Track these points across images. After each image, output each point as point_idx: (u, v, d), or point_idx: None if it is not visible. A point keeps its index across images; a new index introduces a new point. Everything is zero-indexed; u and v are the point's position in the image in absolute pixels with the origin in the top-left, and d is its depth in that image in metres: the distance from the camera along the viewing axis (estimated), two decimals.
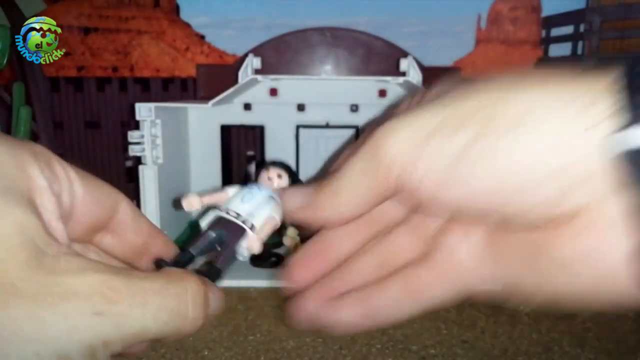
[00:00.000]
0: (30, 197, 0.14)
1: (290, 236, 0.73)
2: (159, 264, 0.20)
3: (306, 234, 0.74)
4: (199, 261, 0.23)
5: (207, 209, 0.23)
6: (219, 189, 0.24)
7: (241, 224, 0.22)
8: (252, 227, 0.23)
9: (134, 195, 1.09)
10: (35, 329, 0.12)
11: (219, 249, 0.22)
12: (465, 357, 0.54)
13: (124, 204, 0.20)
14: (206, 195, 0.23)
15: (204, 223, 0.22)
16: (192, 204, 0.23)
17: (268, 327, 0.60)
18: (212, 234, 0.22)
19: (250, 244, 0.23)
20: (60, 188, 0.16)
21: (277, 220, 0.24)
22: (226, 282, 0.76)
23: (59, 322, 0.13)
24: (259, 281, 0.72)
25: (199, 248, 0.22)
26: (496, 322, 0.62)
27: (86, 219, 0.18)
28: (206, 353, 0.54)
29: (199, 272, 0.19)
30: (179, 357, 0.53)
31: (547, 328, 0.61)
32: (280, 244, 0.77)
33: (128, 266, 0.21)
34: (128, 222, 0.20)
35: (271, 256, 0.79)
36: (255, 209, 0.23)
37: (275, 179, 0.25)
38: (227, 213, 0.22)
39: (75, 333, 0.13)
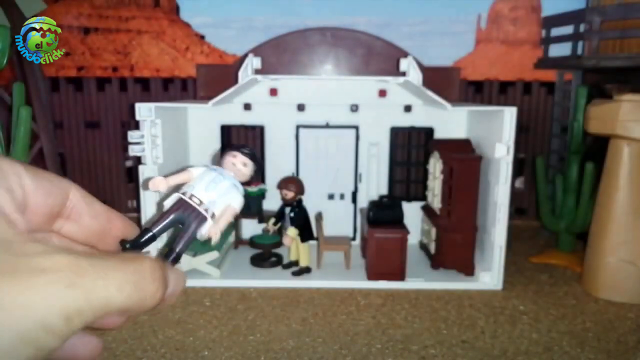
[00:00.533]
0: None
1: (290, 236, 0.74)
2: (123, 244, 0.22)
3: (306, 235, 0.75)
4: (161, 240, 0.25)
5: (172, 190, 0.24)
6: (184, 168, 0.25)
7: (203, 212, 0.23)
8: (212, 216, 0.23)
9: (134, 195, 1.09)
10: (16, 302, 0.14)
11: (180, 227, 0.24)
12: (465, 357, 0.54)
13: (73, 191, 0.20)
14: (172, 176, 0.24)
15: (167, 203, 0.24)
16: (157, 185, 0.24)
17: (268, 327, 0.60)
18: (174, 216, 0.23)
19: (210, 231, 0.23)
20: (10, 183, 0.17)
21: (236, 210, 0.25)
22: (226, 282, 0.76)
23: (37, 294, 0.14)
24: (259, 281, 0.72)
25: (161, 228, 0.23)
26: (496, 322, 0.62)
27: (41, 209, 0.19)
28: (206, 353, 0.54)
29: (161, 254, 0.22)
30: (178, 357, 0.53)
31: (547, 328, 0.61)
32: (280, 244, 0.78)
33: (90, 248, 0.22)
34: (83, 208, 0.21)
35: (271, 256, 0.80)
36: (218, 197, 0.24)
37: (239, 165, 0.25)
38: (190, 198, 0.23)
39: (53, 302, 0.14)
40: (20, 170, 0.18)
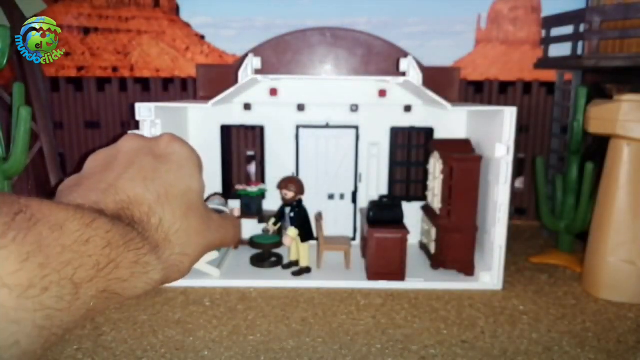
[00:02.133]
0: None
1: (290, 236, 0.74)
2: None
3: (306, 235, 0.75)
4: None
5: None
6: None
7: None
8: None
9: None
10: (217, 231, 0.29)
11: None
12: (465, 357, 0.54)
13: None
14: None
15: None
16: None
17: (268, 327, 0.60)
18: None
19: None
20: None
21: None
22: (226, 282, 0.76)
23: (217, 234, 0.29)
24: (259, 281, 0.72)
25: None
26: (496, 322, 0.62)
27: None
28: (206, 353, 0.54)
29: None
30: (178, 357, 0.53)
31: (547, 328, 0.61)
32: (280, 244, 0.78)
33: None
34: None
35: (271, 256, 0.80)
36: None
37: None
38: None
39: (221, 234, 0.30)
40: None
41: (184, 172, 0.26)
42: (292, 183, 0.75)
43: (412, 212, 0.84)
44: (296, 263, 0.76)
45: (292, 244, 0.75)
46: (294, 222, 0.74)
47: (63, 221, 0.18)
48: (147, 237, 0.22)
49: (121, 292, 0.21)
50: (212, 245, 0.27)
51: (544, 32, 0.90)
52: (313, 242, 0.77)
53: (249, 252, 0.82)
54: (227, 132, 0.87)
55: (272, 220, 0.77)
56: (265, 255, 0.79)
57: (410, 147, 0.89)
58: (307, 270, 0.75)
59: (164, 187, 0.25)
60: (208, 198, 0.82)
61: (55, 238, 0.17)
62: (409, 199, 0.88)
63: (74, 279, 0.18)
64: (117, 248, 0.20)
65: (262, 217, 0.83)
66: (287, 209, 0.75)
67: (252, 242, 0.81)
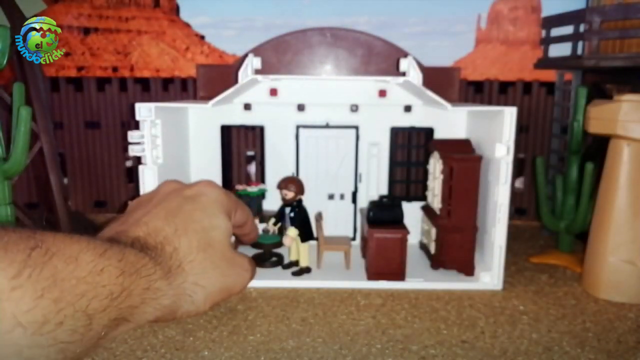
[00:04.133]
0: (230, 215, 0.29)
1: (291, 236, 0.74)
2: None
3: (306, 235, 0.75)
4: None
5: None
6: None
7: None
8: None
9: (134, 195, 1.09)
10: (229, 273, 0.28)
11: None
12: (465, 357, 0.54)
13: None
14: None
15: None
16: None
17: (268, 327, 0.60)
18: None
19: None
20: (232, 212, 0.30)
21: None
22: None
23: (236, 274, 0.28)
24: (259, 281, 0.72)
25: None
26: (496, 322, 0.62)
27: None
28: (206, 353, 0.54)
29: None
30: (179, 357, 0.53)
31: (547, 328, 0.61)
32: (281, 244, 0.78)
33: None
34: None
35: (272, 256, 0.80)
36: None
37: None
38: None
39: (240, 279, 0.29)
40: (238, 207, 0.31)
41: (209, 212, 0.27)
42: (292, 183, 0.75)
43: (412, 212, 0.84)
44: (296, 263, 0.76)
45: (292, 244, 0.75)
46: (294, 222, 0.74)
47: (77, 253, 0.19)
48: (159, 262, 0.23)
49: (131, 318, 0.21)
50: (233, 287, 0.27)
51: (544, 32, 0.90)
52: (313, 242, 0.77)
53: (248, 252, 0.82)
54: (227, 132, 0.87)
55: (272, 220, 0.77)
56: (266, 255, 0.79)
57: (410, 147, 0.89)
58: (307, 270, 0.75)
59: (183, 222, 0.26)
60: None
61: (70, 271, 0.18)
62: (409, 199, 0.88)
63: (88, 310, 0.18)
64: (130, 275, 0.21)
65: (262, 217, 0.83)
66: (287, 209, 0.75)
67: (253, 242, 0.81)
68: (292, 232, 0.73)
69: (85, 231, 0.22)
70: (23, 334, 0.15)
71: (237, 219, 0.30)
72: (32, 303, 0.16)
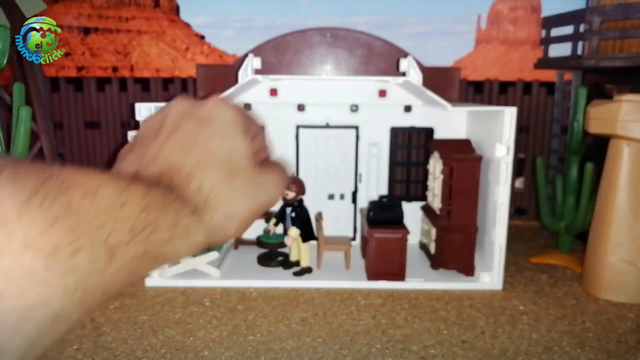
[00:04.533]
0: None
1: (292, 236, 0.74)
2: None
3: (307, 235, 0.75)
4: None
5: None
6: None
7: None
8: None
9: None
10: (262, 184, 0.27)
11: None
12: (465, 357, 0.54)
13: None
14: None
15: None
16: None
17: (268, 327, 0.60)
18: None
19: None
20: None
21: None
22: (226, 283, 0.77)
23: (265, 193, 0.27)
24: (259, 281, 0.72)
25: None
26: (496, 322, 0.62)
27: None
28: (206, 353, 0.54)
29: None
30: (179, 357, 0.53)
31: (547, 328, 0.61)
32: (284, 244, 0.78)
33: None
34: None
35: (278, 255, 0.80)
36: None
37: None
38: None
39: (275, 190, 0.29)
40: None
41: (226, 135, 0.26)
42: (293, 183, 0.75)
43: (412, 212, 0.84)
44: (297, 263, 0.76)
45: (293, 244, 0.75)
46: (295, 222, 0.74)
47: (96, 186, 0.19)
48: (186, 200, 0.23)
49: (163, 254, 0.21)
50: (264, 205, 0.27)
51: (544, 32, 0.90)
52: (314, 242, 0.77)
53: (249, 252, 0.82)
54: None
55: (273, 220, 0.77)
56: (272, 254, 0.80)
57: (410, 147, 0.90)
58: (308, 270, 0.75)
59: (204, 152, 0.25)
60: None
61: (87, 203, 0.18)
62: (409, 199, 0.88)
63: (109, 242, 0.18)
64: (155, 212, 0.20)
65: (264, 217, 0.83)
66: (288, 209, 0.75)
67: (259, 242, 0.81)
68: (293, 232, 0.73)
69: None
70: (35, 257, 0.15)
71: (253, 135, 0.29)
72: (43, 229, 0.16)
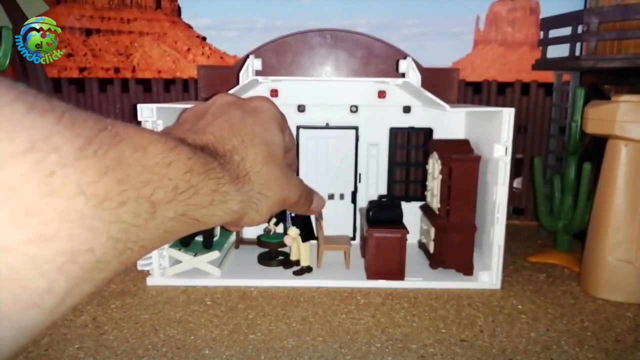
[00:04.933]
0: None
1: (291, 236, 0.74)
2: None
3: (306, 234, 0.75)
4: None
5: None
6: None
7: None
8: None
9: None
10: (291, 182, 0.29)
11: None
12: (464, 356, 0.55)
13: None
14: None
15: None
16: None
17: (268, 326, 0.60)
18: None
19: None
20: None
21: None
22: (227, 282, 0.77)
23: (291, 188, 0.29)
24: (259, 280, 0.72)
25: None
26: (494, 321, 0.62)
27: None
28: (207, 352, 0.55)
29: None
30: (180, 356, 0.54)
31: (545, 327, 0.61)
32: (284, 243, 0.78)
33: None
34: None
35: (278, 255, 0.80)
36: None
37: None
38: None
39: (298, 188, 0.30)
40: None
41: (269, 127, 0.28)
42: None
43: (411, 211, 0.84)
44: (297, 262, 0.77)
45: (293, 243, 0.75)
46: (294, 222, 0.74)
47: (147, 143, 0.19)
48: (227, 169, 0.24)
49: (200, 218, 0.22)
50: (289, 200, 0.29)
51: (542, 34, 0.91)
52: (314, 242, 0.77)
53: (249, 251, 0.82)
54: None
55: (274, 220, 0.77)
56: (273, 254, 0.80)
57: (410, 148, 0.90)
58: (308, 269, 0.75)
59: (248, 135, 0.27)
60: None
61: (137, 158, 0.18)
62: (408, 198, 0.89)
63: (152, 198, 0.18)
64: (198, 175, 0.21)
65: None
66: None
67: (260, 241, 0.81)
68: (292, 231, 0.74)
69: None
70: (85, 203, 0.16)
71: (287, 140, 0.30)
72: (95, 177, 0.16)
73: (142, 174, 0.18)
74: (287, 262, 0.78)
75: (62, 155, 0.15)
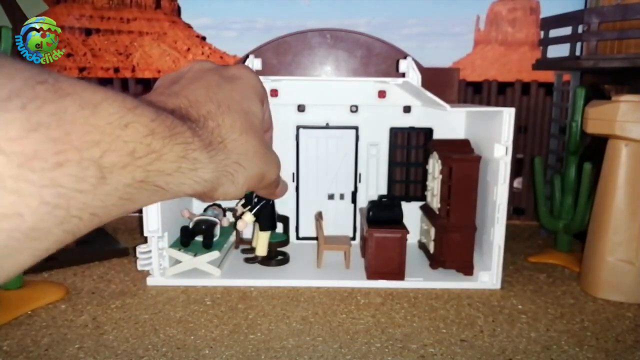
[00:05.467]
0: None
1: (244, 221, 0.72)
2: None
3: (265, 224, 0.74)
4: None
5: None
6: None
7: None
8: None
9: None
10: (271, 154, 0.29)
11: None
12: (464, 355, 0.55)
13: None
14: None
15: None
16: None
17: (268, 326, 0.60)
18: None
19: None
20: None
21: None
22: (227, 282, 0.77)
23: (270, 163, 0.28)
24: (259, 280, 0.72)
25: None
26: (494, 321, 0.62)
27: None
28: (207, 352, 0.55)
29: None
30: (180, 356, 0.54)
31: (545, 327, 0.61)
32: (286, 242, 0.79)
33: None
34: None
35: (278, 255, 0.80)
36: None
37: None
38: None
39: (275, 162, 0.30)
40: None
41: (248, 95, 0.27)
42: None
43: (411, 211, 0.84)
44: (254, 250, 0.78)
45: (245, 228, 0.74)
46: (253, 207, 0.74)
47: (99, 101, 0.17)
48: (199, 134, 0.22)
49: (165, 186, 0.20)
50: (268, 176, 0.27)
51: (542, 33, 0.91)
52: (313, 242, 0.77)
53: (249, 251, 0.82)
54: None
55: (242, 201, 0.76)
56: (272, 253, 0.80)
57: (410, 148, 0.90)
58: (261, 260, 0.76)
59: (226, 100, 0.25)
60: (207, 208, 0.82)
61: (83, 116, 0.16)
62: (408, 198, 0.89)
63: (101, 161, 0.16)
64: (162, 139, 0.19)
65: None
66: (254, 193, 0.74)
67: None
68: (247, 217, 0.73)
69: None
70: (6, 162, 0.14)
71: (266, 117, 0.29)
72: (21, 133, 0.14)
73: (88, 134, 0.16)
74: (287, 262, 0.78)
75: None
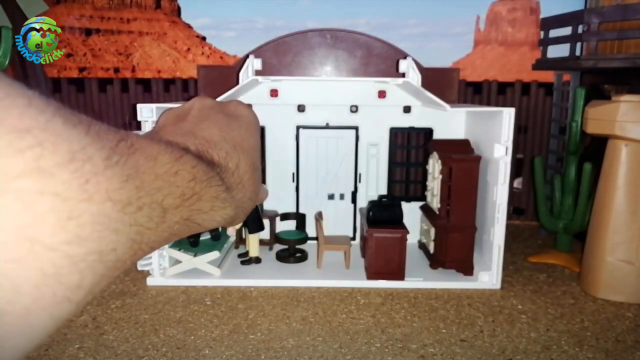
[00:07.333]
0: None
1: (234, 227, 0.75)
2: None
3: (252, 226, 0.75)
4: None
5: None
6: None
7: None
8: None
9: None
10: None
11: None
12: (464, 355, 0.55)
13: None
14: None
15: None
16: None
17: (268, 326, 0.60)
18: None
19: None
20: None
21: None
22: (227, 282, 0.77)
23: (263, 193, 0.31)
24: (259, 280, 0.72)
25: None
26: (494, 321, 0.62)
27: None
28: (207, 352, 0.55)
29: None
30: (180, 356, 0.54)
31: (545, 327, 0.61)
32: (305, 239, 0.80)
33: None
34: None
35: (296, 252, 0.81)
36: None
37: None
38: None
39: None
40: None
41: (251, 132, 0.30)
42: None
43: (411, 211, 0.85)
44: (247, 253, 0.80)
45: (233, 232, 0.78)
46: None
47: (157, 153, 0.21)
48: (223, 177, 0.26)
49: (201, 222, 0.24)
50: (260, 200, 0.32)
51: (542, 34, 0.91)
52: (313, 242, 0.77)
53: (274, 248, 0.84)
54: None
55: None
56: (291, 250, 0.81)
57: (410, 148, 0.90)
58: (257, 260, 0.78)
59: (236, 140, 0.28)
60: None
61: (149, 166, 0.20)
62: (408, 199, 0.89)
63: (163, 203, 0.20)
64: (201, 182, 0.23)
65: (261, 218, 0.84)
66: None
67: (278, 238, 0.82)
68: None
69: None
70: (112, 208, 0.17)
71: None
72: (119, 184, 0.18)
73: (154, 182, 0.20)
74: (305, 259, 0.80)
75: (94, 165, 0.16)
